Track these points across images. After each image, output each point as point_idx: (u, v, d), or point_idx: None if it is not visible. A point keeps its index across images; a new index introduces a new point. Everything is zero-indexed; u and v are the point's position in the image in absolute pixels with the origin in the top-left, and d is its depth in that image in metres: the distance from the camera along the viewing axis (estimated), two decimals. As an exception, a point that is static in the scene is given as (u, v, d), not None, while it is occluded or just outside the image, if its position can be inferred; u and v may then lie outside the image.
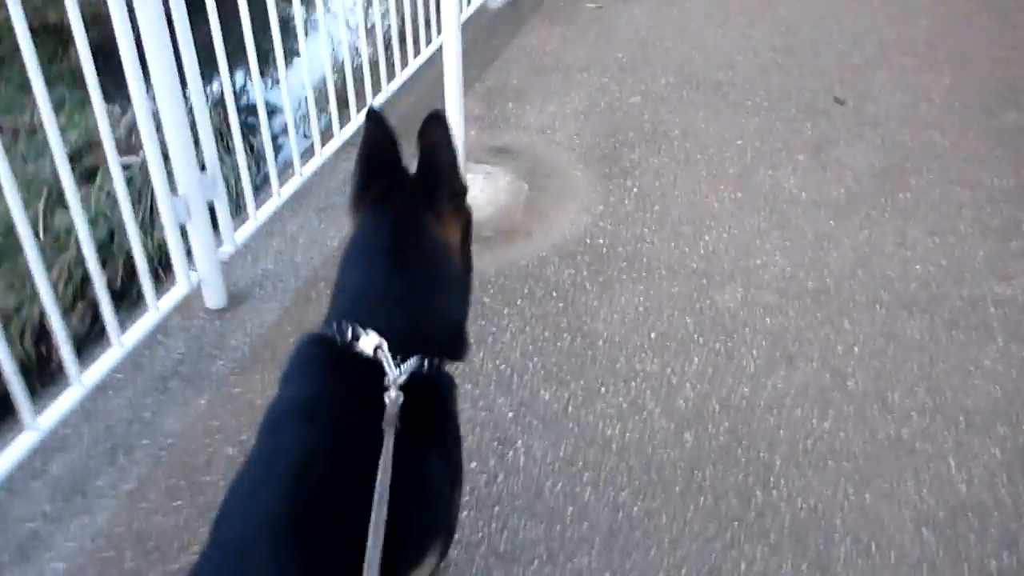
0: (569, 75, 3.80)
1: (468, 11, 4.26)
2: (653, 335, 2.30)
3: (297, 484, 0.97)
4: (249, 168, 2.55)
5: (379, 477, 0.95)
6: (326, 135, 2.87)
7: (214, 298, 2.41)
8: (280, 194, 2.63)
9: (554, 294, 2.47)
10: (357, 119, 3.02)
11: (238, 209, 2.66)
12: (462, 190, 1.26)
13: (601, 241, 2.69)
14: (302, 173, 2.73)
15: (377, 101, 3.12)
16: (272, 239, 2.72)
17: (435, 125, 1.17)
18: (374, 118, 1.23)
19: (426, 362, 1.11)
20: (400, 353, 1.09)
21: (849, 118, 3.39)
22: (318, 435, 1.03)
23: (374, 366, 1.07)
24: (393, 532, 0.92)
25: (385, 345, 1.07)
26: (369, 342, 1.08)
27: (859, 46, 4.03)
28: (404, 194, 1.20)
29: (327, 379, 1.11)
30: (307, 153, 2.83)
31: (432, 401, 1.13)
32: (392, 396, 1.04)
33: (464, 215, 1.27)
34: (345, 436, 1.03)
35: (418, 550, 1.07)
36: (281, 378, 1.15)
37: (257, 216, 2.54)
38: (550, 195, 2.95)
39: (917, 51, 3.96)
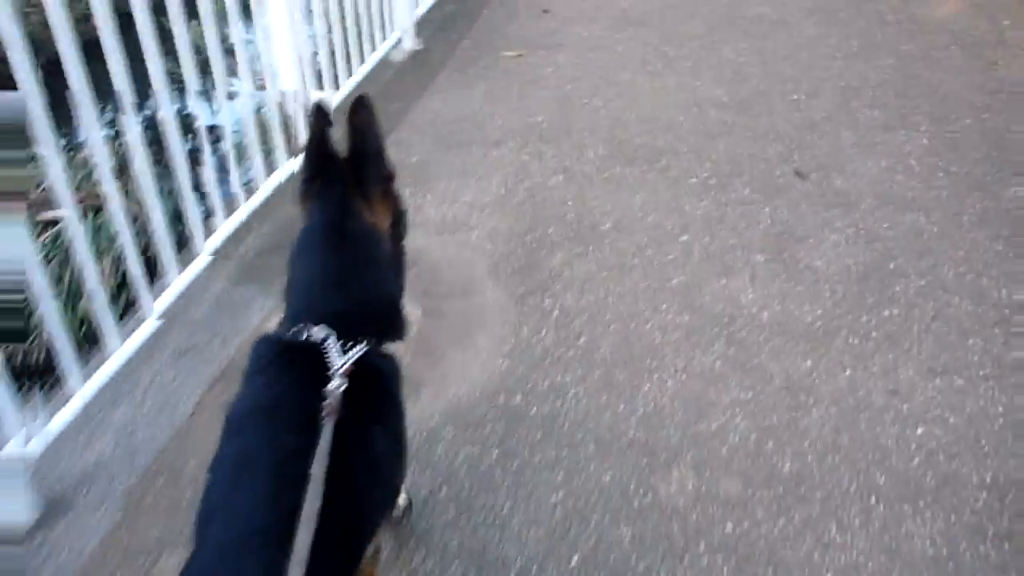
0: (481, 149, 3.17)
1: (365, 67, 3.63)
2: (575, 561, 1.68)
3: (276, 486, 1.02)
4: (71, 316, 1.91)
5: (313, 467, 0.99)
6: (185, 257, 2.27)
7: (17, 512, 1.75)
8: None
9: (444, 490, 1.83)
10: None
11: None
12: (389, 174, 1.30)
13: (517, 399, 2.06)
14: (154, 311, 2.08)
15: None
16: (116, 406, 2.06)
17: (361, 109, 1.23)
18: (319, 112, 1.27)
19: (369, 345, 1.18)
20: (345, 338, 1.16)
21: (814, 198, 2.81)
22: (282, 432, 1.09)
23: (322, 358, 1.13)
24: (350, 514, 1.06)
25: (332, 336, 1.15)
26: (317, 334, 1.15)
27: (818, 96, 3.46)
28: (338, 181, 1.25)
29: (282, 376, 1.16)
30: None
31: (374, 383, 1.19)
32: (333, 387, 1.10)
33: (393, 199, 1.32)
34: (307, 431, 1.05)
35: (374, 526, 1.17)
36: (242, 379, 1.19)
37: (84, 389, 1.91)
38: (449, 325, 2.32)
39: (886, 101, 3.40)
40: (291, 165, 2.92)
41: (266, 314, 2.31)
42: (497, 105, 3.50)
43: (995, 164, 2.97)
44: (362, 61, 3.64)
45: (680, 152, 3.09)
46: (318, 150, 1.27)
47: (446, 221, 2.74)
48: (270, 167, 2.87)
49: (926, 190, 2.83)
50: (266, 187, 2.80)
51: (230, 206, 2.67)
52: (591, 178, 2.96)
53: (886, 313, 2.30)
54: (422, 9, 4.21)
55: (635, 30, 4.17)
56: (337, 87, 3.40)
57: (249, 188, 2.75)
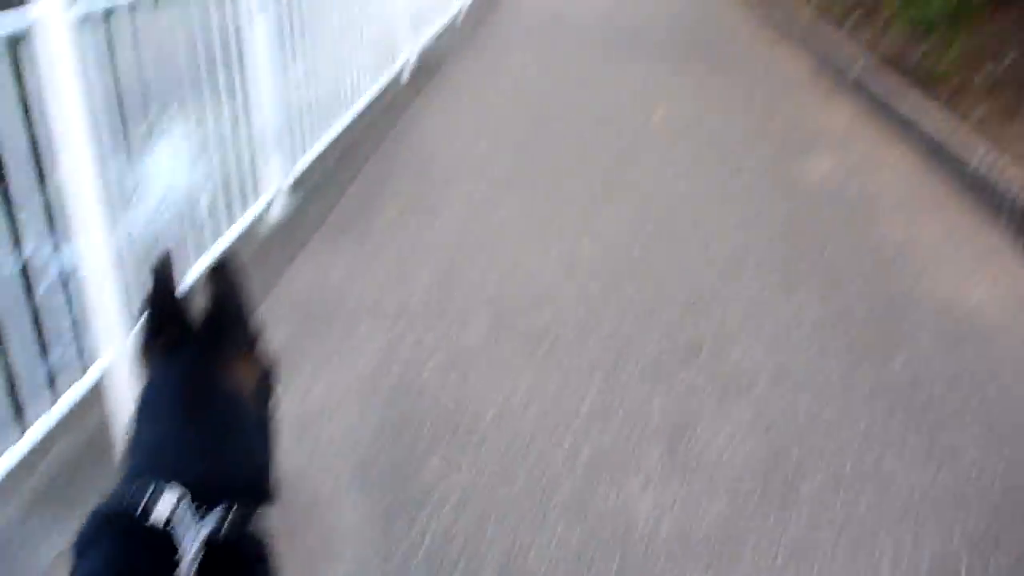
0: (352, 327, 2.90)
1: (232, 234, 3.35)
2: None
3: None
4: None
5: None
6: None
7: None
8: None
9: None
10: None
11: None
12: (253, 334, 1.21)
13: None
14: None
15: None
16: None
17: (223, 271, 1.16)
18: (162, 265, 1.16)
19: (228, 516, 1.00)
20: (199, 506, 0.98)
21: (707, 379, 2.63)
22: None
23: (168, 536, 0.96)
24: None
25: (181, 505, 0.97)
26: (164, 505, 0.97)
27: (705, 263, 3.37)
28: (194, 340, 1.15)
29: (122, 555, 0.97)
30: None
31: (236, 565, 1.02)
32: (186, 564, 0.94)
33: (257, 359, 1.22)
34: None
35: None
36: (72, 553, 0.99)
37: None
38: (295, 555, 1.96)
39: (773, 266, 3.34)
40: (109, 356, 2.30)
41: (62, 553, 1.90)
42: (370, 275, 3.27)
43: (882, 331, 2.90)
44: (231, 223, 3.37)
45: (565, 329, 2.90)
46: (164, 303, 1.16)
47: (306, 419, 2.42)
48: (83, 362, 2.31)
49: (819, 363, 2.71)
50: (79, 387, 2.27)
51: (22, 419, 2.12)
52: (472, 359, 2.72)
53: (792, 519, 2.08)
54: (300, 166, 4.01)
55: (518, 192, 4.07)
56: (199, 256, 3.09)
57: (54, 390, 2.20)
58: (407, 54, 6.21)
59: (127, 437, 1.10)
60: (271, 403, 1.25)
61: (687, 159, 4.49)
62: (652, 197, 4.02)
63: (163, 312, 1.16)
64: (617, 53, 7.14)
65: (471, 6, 8.91)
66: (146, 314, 1.16)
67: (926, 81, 5.07)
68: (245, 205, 3.51)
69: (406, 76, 6.20)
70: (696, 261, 3.38)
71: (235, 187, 3.39)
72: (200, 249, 3.05)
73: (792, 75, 6.43)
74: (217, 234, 3.22)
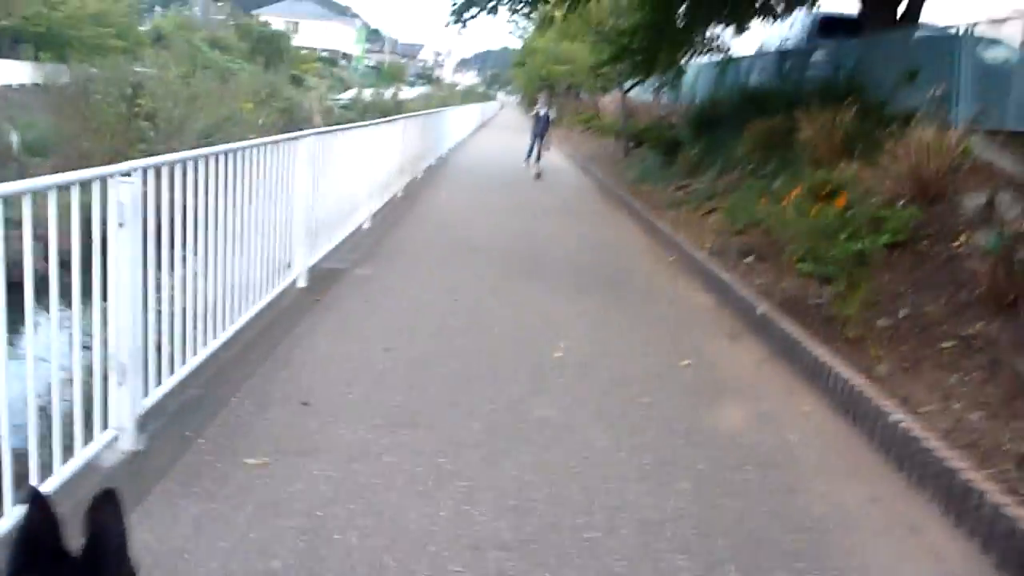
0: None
1: (60, 476, 2.78)
2: None
3: None
4: None
5: None
6: None
7: None
8: None
9: None
10: None
11: None
12: (131, 571, 1.15)
13: None
14: None
15: None
16: None
17: (104, 504, 1.12)
18: (37, 501, 1.12)
19: None
20: None
21: None
22: None
23: None
24: None
25: None
26: None
27: (614, 533, 2.94)
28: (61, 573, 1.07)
29: None
30: None
31: None
32: None
33: None
34: None
35: None
36: None
37: None
38: None
39: (688, 541, 2.93)
40: None
41: None
42: (221, 539, 2.71)
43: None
44: (63, 463, 2.81)
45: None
46: (31, 540, 1.09)
47: None
48: None
49: None
50: None
51: None
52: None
53: None
54: (152, 399, 3.47)
55: (407, 433, 3.63)
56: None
57: None
58: (299, 268, 5.89)
59: None
60: None
61: (592, 403, 4.18)
62: (558, 443, 3.64)
63: (32, 551, 1.09)
64: (521, 276, 7.03)
65: (378, 217, 8.84)
66: (12, 553, 1.09)
67: (829, 327, 5.04)
68: (84, 440, 2.99)
69: (301, 284, 5.88)
70: (606, 531, 2.95)
71: (68, 420, 2.88)
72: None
73: (696, 308, 6.40)
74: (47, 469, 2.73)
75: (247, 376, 4.11)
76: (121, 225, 3.12)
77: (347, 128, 7.80)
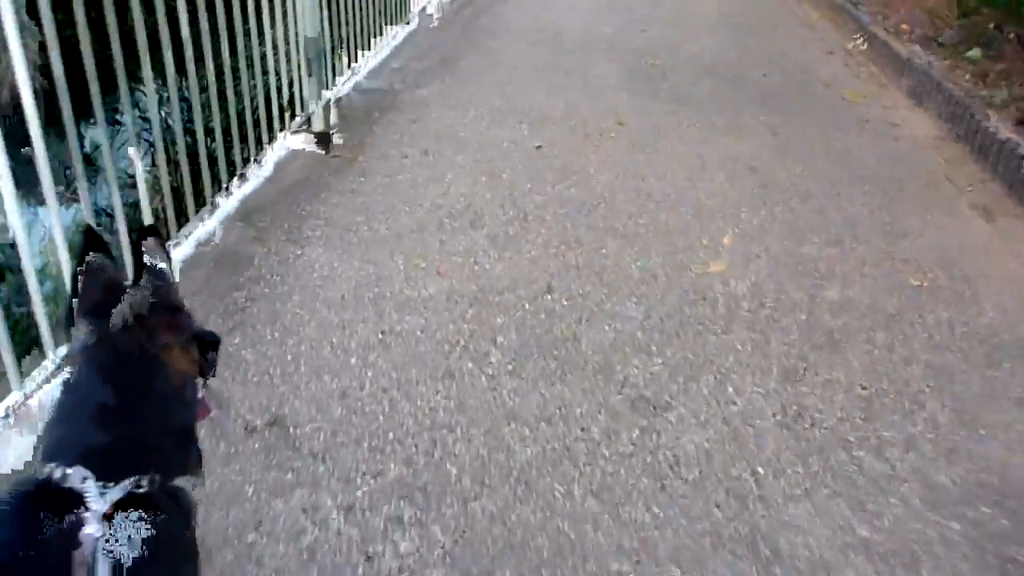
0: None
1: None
2: None
3: None
4: None
5: None
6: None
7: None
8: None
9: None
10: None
11: None
12: (177, 302, 1.19)
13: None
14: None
15: None
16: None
17: (150, 242, 1.15)
18: (89, 234, 1.16)
19: (144, 483, 1.03)
20: (110, 477, 1.01)
21: None
22: None
23: (79, 500, 0.98)
24: None
25: (91, 477, 0.99)
26: (73, 475, 0.99)
27: None
28: (117, 306, 1.10)
29: (27, 525, 0.97)
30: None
31: (152, 524, 1.01)
32: (88, 533, 0.96)
33: (178, 322, 1.17)
34: None
35: None
36: None
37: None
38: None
39: None
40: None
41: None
42: None
43: None
44: None
45: None
46: (89, 271, 1.13)
47: None
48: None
49: None
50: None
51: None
52: None
53: None
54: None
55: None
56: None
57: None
58: None
59: (46, 418, 1.09)
60: (206, 377, 1.22)
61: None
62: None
63: (89, 279, 1.13)
64: (644, 93, 4.97)
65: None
66: (73, 282, 1.14)
67: None
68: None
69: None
70: None
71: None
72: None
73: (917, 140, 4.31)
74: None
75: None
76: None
77: None
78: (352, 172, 3.60)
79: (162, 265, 1.15)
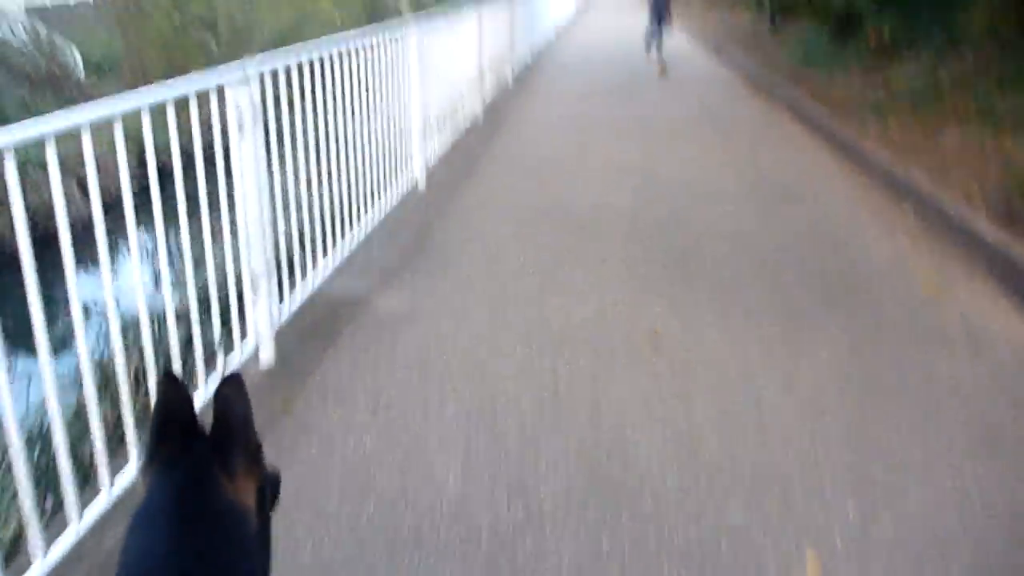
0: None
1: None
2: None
3: None
4: None
5: None
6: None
7: None
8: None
9: None
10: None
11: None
12: (256, 447, 1.19)
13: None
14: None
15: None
16: None
17: (230, 385, 1.16)
18: (169, 380, 1.17)
19: None
20: None
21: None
22: None
23: None
24: None
25: None
26: None
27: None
28: (194, 454, 1.11)
29: None
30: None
31: None
32: None
33: (258, 468, 1.18)
34: None
35: None
36: None
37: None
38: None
39: None
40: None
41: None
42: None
43: None
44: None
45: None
46: (165, 416, 1.14)
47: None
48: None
49: None
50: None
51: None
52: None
53: None
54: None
55: None
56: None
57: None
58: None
59: (120, 553, 1.06)
60: (270, 512, 1.21)
61: None
62: None
63: (166, 427, 1.14)
64: (660, 292, 4.10)
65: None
66: (150, 431, 1.14)
67: None
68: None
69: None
70: None
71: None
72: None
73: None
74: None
75: None
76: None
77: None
78: (276, 432, 2.66)
79: (242, 411, 1.13)
